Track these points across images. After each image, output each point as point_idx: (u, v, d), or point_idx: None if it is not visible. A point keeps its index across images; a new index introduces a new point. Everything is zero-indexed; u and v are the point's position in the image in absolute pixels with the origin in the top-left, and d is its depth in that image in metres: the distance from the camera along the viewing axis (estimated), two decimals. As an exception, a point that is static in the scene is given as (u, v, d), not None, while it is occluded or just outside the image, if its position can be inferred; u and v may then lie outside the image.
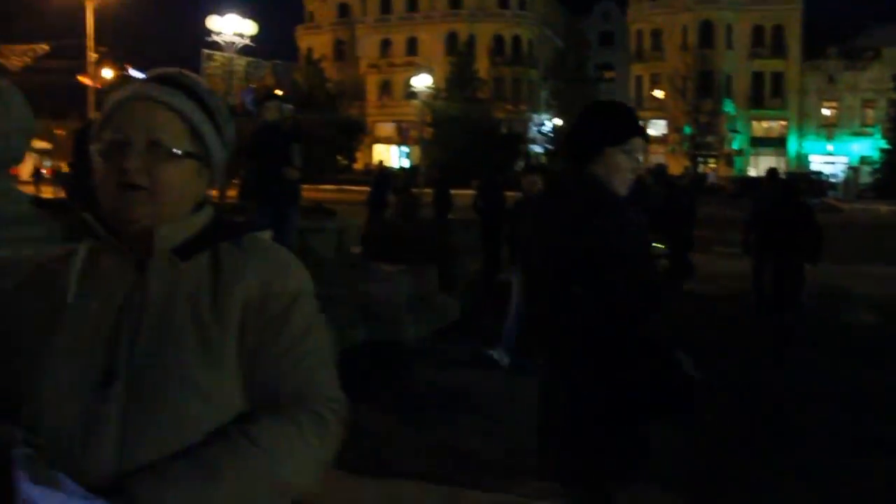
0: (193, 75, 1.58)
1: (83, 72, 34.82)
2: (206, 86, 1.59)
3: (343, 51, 76.07)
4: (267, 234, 1.60)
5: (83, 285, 1.47)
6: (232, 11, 30.75)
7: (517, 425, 4.82)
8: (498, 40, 70.90)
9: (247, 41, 31.72)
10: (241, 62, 36.82)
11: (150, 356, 1.41)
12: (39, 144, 44.57)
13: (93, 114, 27.51)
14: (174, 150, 1.47)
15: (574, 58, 65.21)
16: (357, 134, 61.05)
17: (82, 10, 33.26)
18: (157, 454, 1.35)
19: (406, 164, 59.61)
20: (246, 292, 1.47)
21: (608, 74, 73.22)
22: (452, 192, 17.46)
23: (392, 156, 65.27)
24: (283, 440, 1.40)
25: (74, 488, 1.28)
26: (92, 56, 34.70)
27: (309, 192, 13.29)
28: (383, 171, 20.93)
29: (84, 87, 34.95)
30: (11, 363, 1.47)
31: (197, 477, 1.33)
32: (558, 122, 61.55)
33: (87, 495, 1.27)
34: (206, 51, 35.61)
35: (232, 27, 30.70)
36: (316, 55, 70.68)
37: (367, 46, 74.61)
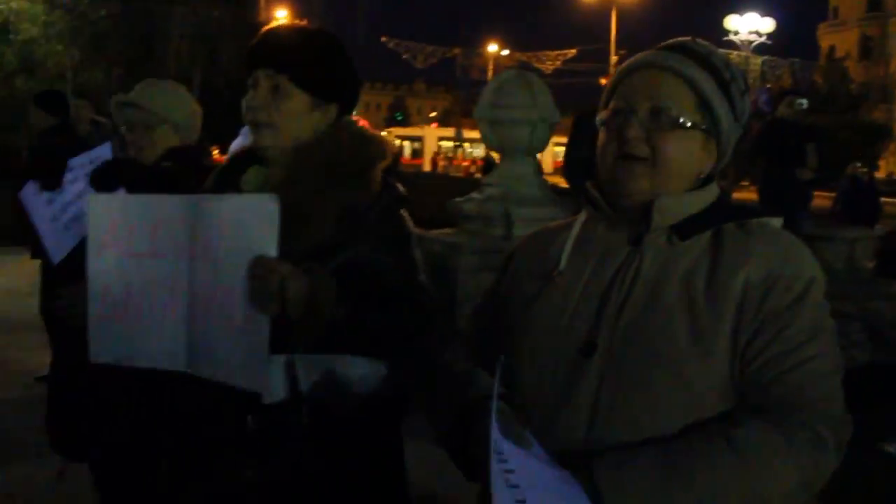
0: (708, 44, 1.48)
1: (605, 74, 37.05)
2: (723, 55, 1.48)
3: (870, 48, 69.34)
4: (777, 221, 1.44)
5: (576, 255, 1.46)
6: (752, 10, 29.99)
7: None
8: None
9: (763, 39, 30.67)
10: (756, 61, 35.80)
11: (633, 334, 1.35)
12: (558, 139, 48.64)
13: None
14: (680, 120, 1.39)
15: None
16: (882, 139, 55.19)
17: (607, 16, 35.30)
18: (628, 435, 1.30)
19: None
20: (748, 279, 1.33)
21: None
22: None
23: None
24: (768, 452, 1.24)
25: (541, 453, 1.27)
26: (614, 59, 36.69)
27: (820, 198, 12.35)
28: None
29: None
30: (500, 320, 1.52)
31: (664, 474, 1.23)
32: None
33: (553, 463, 1.25)
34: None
35: (749, 25, 29.94)
36: (839, 53, 65.53)
37: (902, 43, 66.96)
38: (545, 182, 6.23)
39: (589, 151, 5.40)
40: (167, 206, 1.71)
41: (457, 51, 66.61)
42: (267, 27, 1.84)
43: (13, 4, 15.25)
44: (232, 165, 1.88)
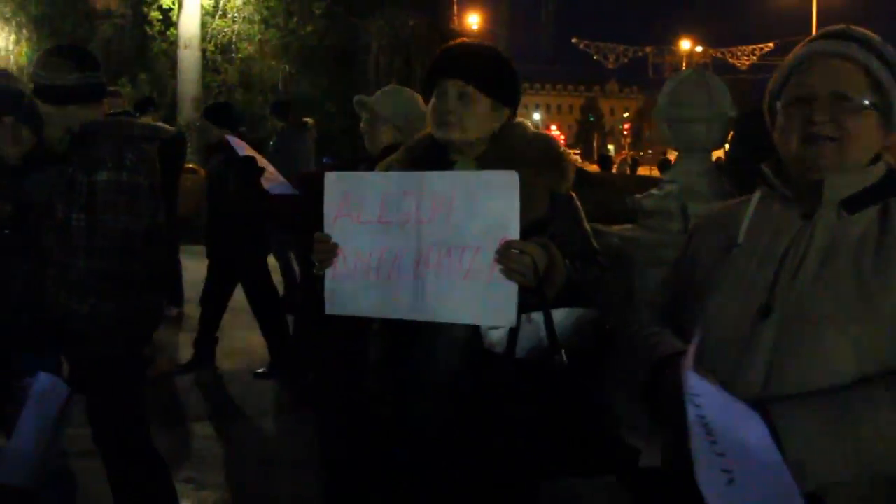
0: (864, 30, 1.64)
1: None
2: (880, 39, 1.63)
3: None
4: None
5: (753, 229, 1.64)
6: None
7: None
8: None
9: None
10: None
11: (805, 299, 1.51)
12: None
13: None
14: (864, 102, 1.56)
15: None
16: None
17: (806, 6, 33.51)
18: (799, 388, 1.45)
19: None
20: None
21: None
22: None
23: None
24: None
25: (726, 393, 1.41)
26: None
27: None
28: None
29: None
30: (685, 289, 1.75)
31: (835, 414, 1.40)
32: None
33: (736, 399, 1.38)
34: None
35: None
36: None
37: None
38: (720, 178, 6.35)
39: (743, 151, 5.49)
40: (393, 181, 2.07)
41: (648, 49, 65.28)
42: (448, 45, 2.27)
43: (235, 27, 16.84)
44: (412, 155, 2.27)
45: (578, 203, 2.20)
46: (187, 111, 14.64)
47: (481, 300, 1.92)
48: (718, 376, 1.48)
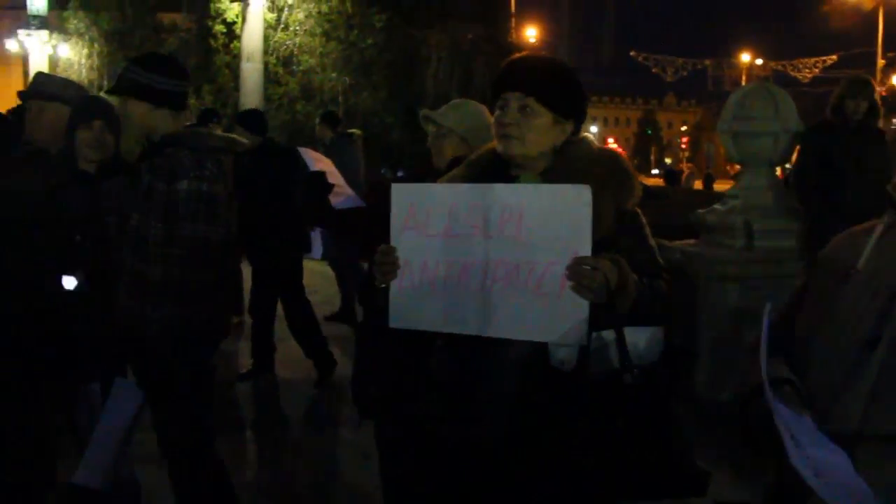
0: None
1: (871, 78, 34.37)
2: None
3: None
4: None
5: (874, 255, 1.60)
6: None
7: None
8: None
9: None
10: None
11: None
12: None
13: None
14: None
15: None
16: None
17: (872, 17, 32.71)
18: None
19: None
20: None
21: None
22: None
23: None
24: None
25: (814, 426, 1.42)
26: (881, 63, 33.93)
27: None
28: None
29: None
30: (802, 311, 1.70)
31: None
32: None
33: (827, 438, 1.39)
34: None
35: None
36: None
37: None
38: (785, 193, 6.22)
39: (815, 165, 5.34)
40: (460, 193, 2.04)
41: (708, 62, 64.45)
42: (512, 58, 2.23)
43: (297, 40, 17.10)
44: (474, 169, 2.23)
45: (644, 219, 2.17)
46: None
47: (550, 317, 1.89)
48: (818, 405, 1.47)
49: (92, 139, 3.34)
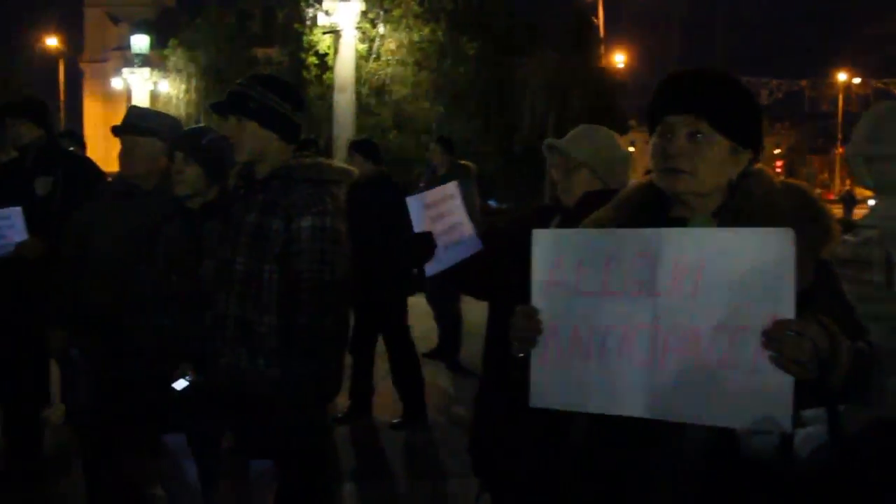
0: None
1: None
2: None
3: None
4: None
5: None
6: None
7: None
8: None
9: None
10: None
11: None
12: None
13: None
14: None
15: None
16: None
17: None
18: None
19: None
20: None
21: None
22: None
23: None
24: None
25: None
26: None
27: None
28: None
29: None
30: None
31: None
32: None
33: None
34: None
35: None
36: None
37: None
38: None
39: None
40: (620, 240, 1.67)
41: (804, 83, 62.51)
42: (674, 73, 1.83)
43: (389, 70, 17.13)
44: (627, 210, 1.87)
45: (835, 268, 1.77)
46: (341, 153, 14.90)
47: (742, 397, 1.52)
48: None
49: (173, 172, 3.08)
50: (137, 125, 3.34)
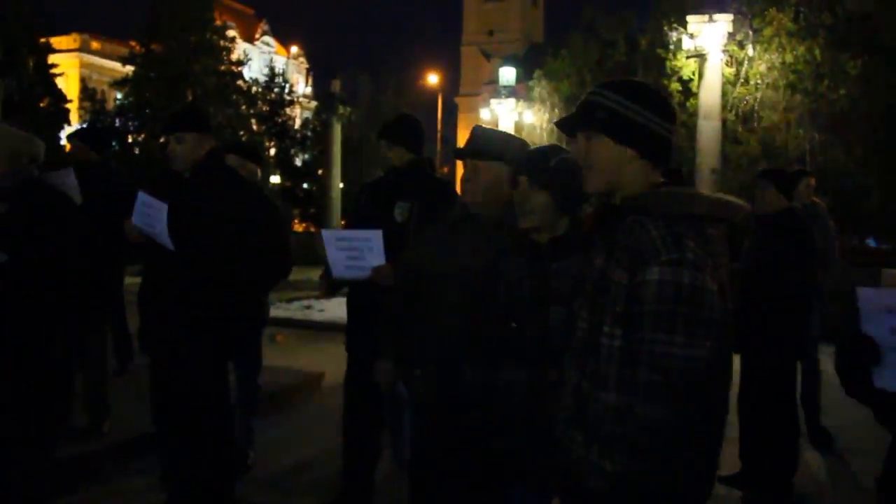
0: None
1: None
2: None
3: None
4: None
5: None
6: None
7: None
8: None
9: None
10: None
11: None
12: None
13: None
14: None
15: None
16: None
17: None
18: None
19: None
20: None
21: None
22: None
23: None
24: None
25: None
26: None
27: None
28: None
29: None
30: None
31: None
32: None
33: None
34: None
35: None
36: None
37: None
38: None
39: None
40: None
41: None
42: None
43: (758, 94, 16.10)
44: None
45: None
46: (705, 184, 14.22)
47: None
48: None
49: (515, 200, 2.73)
50: (481, 148, 3.07)
